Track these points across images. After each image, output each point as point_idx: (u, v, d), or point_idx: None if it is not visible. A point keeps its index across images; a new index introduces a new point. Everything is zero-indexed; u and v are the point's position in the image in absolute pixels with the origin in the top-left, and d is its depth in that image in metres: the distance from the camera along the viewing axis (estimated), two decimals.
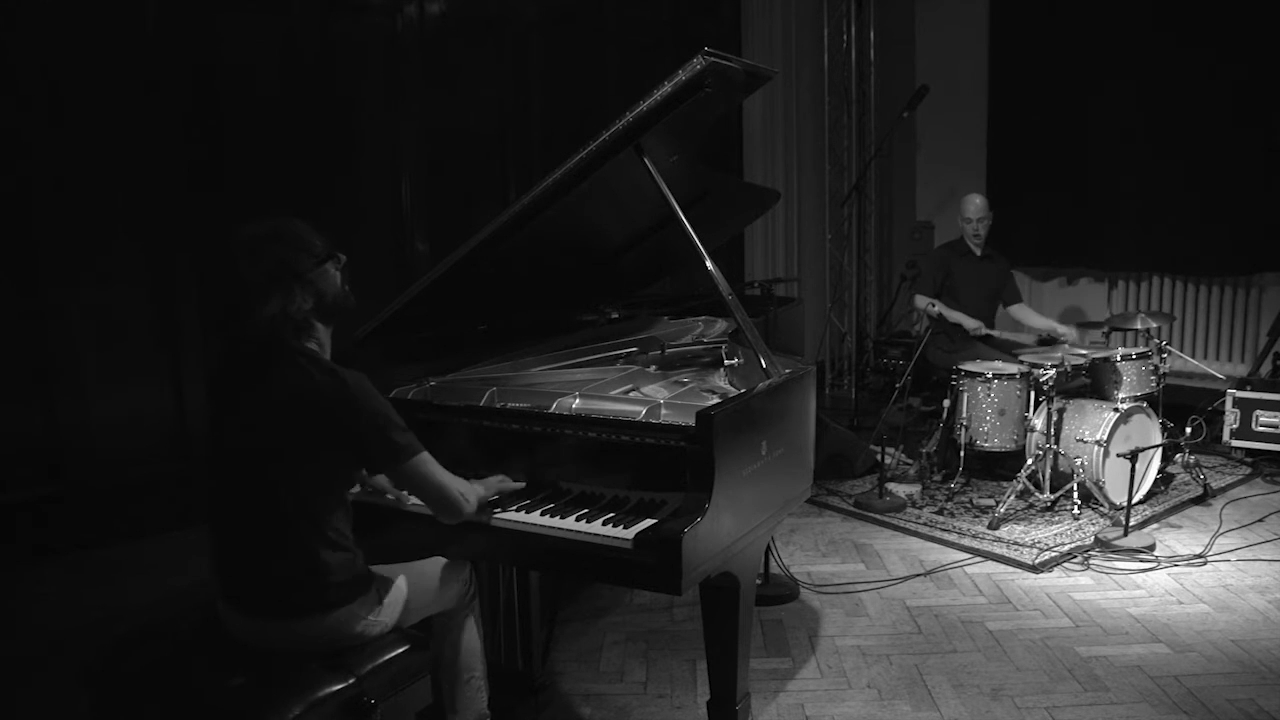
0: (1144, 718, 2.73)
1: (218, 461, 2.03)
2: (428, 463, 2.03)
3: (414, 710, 2.06)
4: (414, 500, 2.24)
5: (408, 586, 2.13)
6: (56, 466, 4.09)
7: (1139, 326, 4.58)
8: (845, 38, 6.98)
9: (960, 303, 5.08)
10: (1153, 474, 4.45)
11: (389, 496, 2.33)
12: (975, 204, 5.12)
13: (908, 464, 4.82)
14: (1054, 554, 3.83)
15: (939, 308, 4.95)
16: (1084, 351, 4.45)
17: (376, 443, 1.96)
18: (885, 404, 4.93)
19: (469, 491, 2.10)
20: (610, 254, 3.22)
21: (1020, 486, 4.24)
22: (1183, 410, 4.83)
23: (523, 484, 2.29)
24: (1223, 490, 4.59)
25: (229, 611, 2.01)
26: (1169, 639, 3.17)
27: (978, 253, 5.15)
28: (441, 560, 2.26)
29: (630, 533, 2.07)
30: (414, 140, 5.05)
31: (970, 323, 4.97)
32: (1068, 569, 3.74)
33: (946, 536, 4.08)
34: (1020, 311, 5.27)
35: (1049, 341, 4.95)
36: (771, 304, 3.79)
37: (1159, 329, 4.57)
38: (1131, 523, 3.93)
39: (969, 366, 4.56)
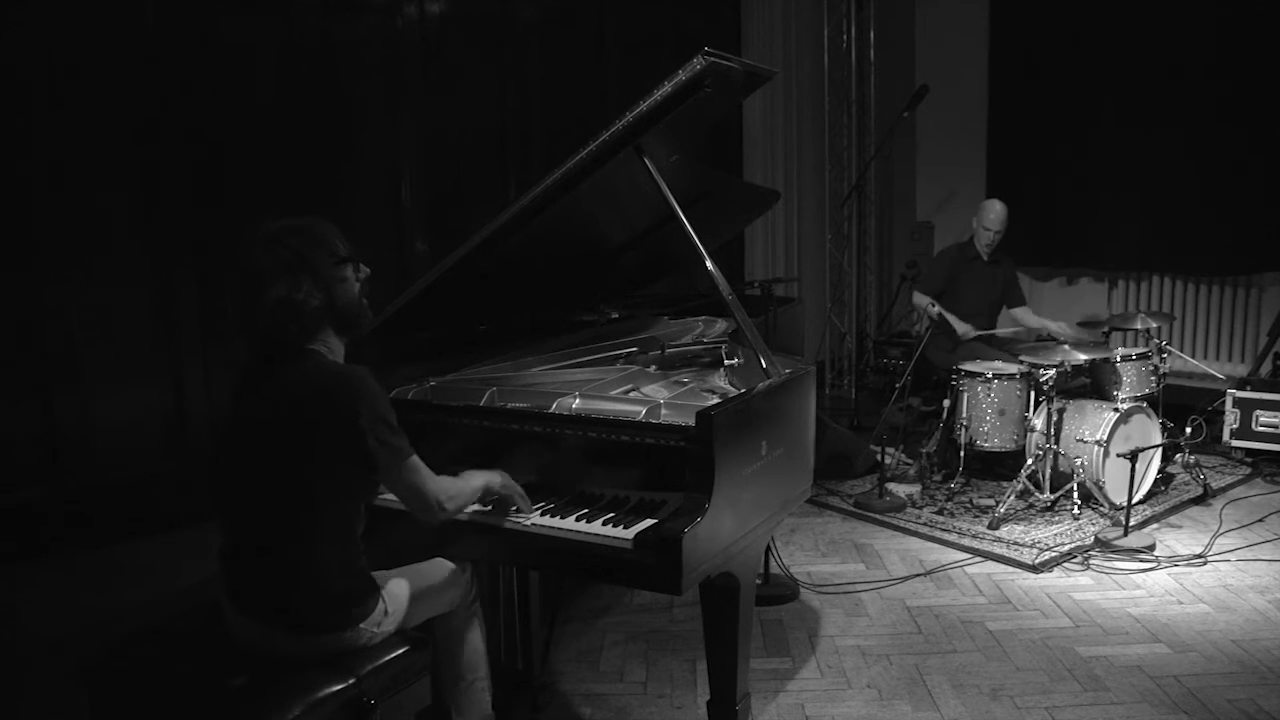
0: (1144, 718, 2.73)
1: (230, 465, 2.02)
2: (420, 468, 2.00)
3: (414, 710, 2.06)
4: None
5: (410, 590, 2.12)
6: (56, 467, 4.08)
7: (1139, 326, 4.58)
8: (845, 38, 6.98)
9: (961, 305, 5.06)
10: (1153, 474, 4.45)
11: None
12: (996, 212, 5.04)
13: (908, 464, 4.82)
14: (1054, 554, 3.83)
15: (938, 307, 4.95)
16: (1083, 352, 4.44)
17: (379, 441, 1.91)
18: (885, 404, 4.93)
19: (457, 494, 2.07)
20: (610, 254, 3.21)
21: (1020, 486, 4.24)
22: (1183, 410, 4.83)
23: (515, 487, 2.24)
24: (1223, 490, 4.58)
25: (237, 616, 2.00)
26: (1169, 639, 3.17)
27: (985, 258, 5.14)
28: (443, 562, 2.26)
29: (630, 533, 2.07)
30: (414, 140, 5.05)
31: (960, 327, 4.95)
32: (1068, 569, 3.74)
33: (946, 536, 4.08)
34: (1022, 314, 5.27)
35: (1045, 340, 4.94)
36: (771, 304, 3.78)
37: (1159, 329, 4.57)
38: (1131, 523, 3.92)
39: (969, 366, 4.56)
